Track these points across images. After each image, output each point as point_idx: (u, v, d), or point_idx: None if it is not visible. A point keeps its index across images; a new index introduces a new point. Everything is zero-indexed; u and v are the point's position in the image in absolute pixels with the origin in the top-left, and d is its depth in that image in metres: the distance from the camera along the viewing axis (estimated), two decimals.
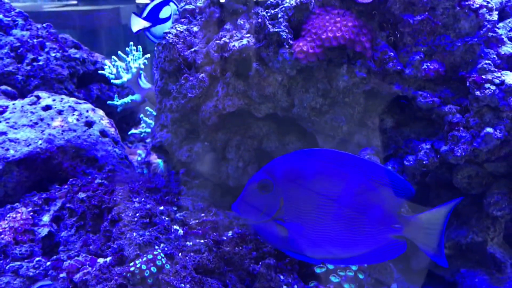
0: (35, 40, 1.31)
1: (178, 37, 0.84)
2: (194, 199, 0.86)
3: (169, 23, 1.39)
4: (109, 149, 1.07)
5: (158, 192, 0.89)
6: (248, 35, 0.76)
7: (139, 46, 0.93)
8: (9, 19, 1.30)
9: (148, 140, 1.36)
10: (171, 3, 1.36)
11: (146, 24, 1.36)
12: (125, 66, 0.91)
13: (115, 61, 0.91)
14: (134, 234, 0.76)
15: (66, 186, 0.95)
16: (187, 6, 0.93)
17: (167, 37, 0.84)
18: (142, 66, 0.91)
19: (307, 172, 0.69)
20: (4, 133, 0.99)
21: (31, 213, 0.91)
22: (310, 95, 0.75)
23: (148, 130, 1.19)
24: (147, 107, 1.07)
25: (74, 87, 1.38)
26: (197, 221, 0.80)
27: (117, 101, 0.98)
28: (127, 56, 0.91)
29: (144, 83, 0.94)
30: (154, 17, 1.38)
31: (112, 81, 0.92)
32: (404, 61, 0.73)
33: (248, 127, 0.86)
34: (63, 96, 1.13)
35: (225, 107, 0.80)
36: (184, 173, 0.91)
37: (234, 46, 0.76)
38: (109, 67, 0.91)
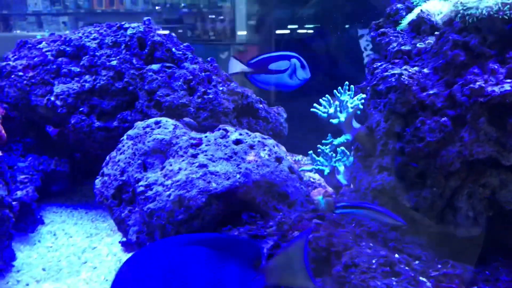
0: (203, 73, 1.34)
1: (413, 78, 0.82)
2: (420, 247, 0.82)
3: (284, 76, 1.40)
4: (297, 185, 1.06)
5: (376, 237, 0.86)
6: (509, 80, 0.73)
7: (352, 86, 0.92)
8: (180, 52, 1.35)
9: (315, 176, 1.34)
10: (293, 59, 1.38)
11: (244, 68, 1.40)
12: (340, 105, 0.90)
13: (328, 100, 0.91)
14: (379, 283, 0.72)
15: (271, 223, 0.94)
16: (403, 47, 0.92)
17: (401, 79, 0.82)
18: (361, 106, 0.90)
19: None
20: (205, 166, 1.00)
21: None
22: None
23: (321, 167, 1.17)
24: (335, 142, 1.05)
25: (236, 120, 1.40)
26: (437, 273, 0.76)
27: (332, 140, 0.97)
28: (340, 95, 0.90)
29: (355, 123, 0.93)
30: (262, 66, 1.42)
31: (331, 120, 0.92)
32: None
33: (480, 174, 0.81)
34: (247, 131, 1.14)
35: (472, 153, 0.76)
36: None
37: (493, 91, 0.73)
38: (325, 106, 0.91)
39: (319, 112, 0.92)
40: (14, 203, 1.07)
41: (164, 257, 0.66)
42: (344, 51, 1.84)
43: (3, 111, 1.20)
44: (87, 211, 1.42)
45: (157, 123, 1.09)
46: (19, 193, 1.16)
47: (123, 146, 1.06)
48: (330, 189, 1.27)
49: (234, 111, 1.37)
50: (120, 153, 1.05)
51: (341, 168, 1.20)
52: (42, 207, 1.39)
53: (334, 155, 1.19)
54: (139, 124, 1.09)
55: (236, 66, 1.40)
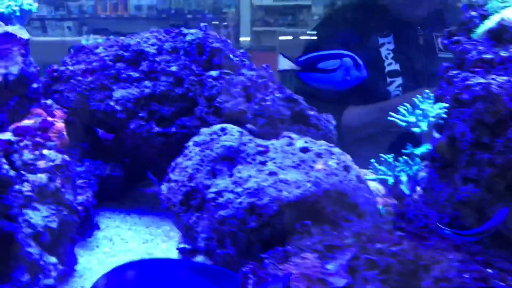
0: (260, 80, 1.33)
1: (502, 88, 0.80)
2: (508, 262, 0.80)
3: (334, 76, 1.39)
4: (366, 195, 1.04)
5: (460, 250, 0.83)
6: None
7: (431, 94, 0.90)
8: (238, 59, 1.35)
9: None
10: (345, 58, 1.37)
11: (293, 66, 1.39)
12: (421, 114, 0.89)
13: (408, 109, 0.89)
14: None
15: (346, 234, 0.92)
16: (484, 56, 0.90)
17: (490, 88, 0.80)
18: (444, 115, 0.88)
19: None
20: (275, 174, 0.99)
21: (318, 260, 0.88)
22: None
23: (385, 177, 1.16)
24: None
25: (290, 127, 1.39)
26: None
27: (411, 150, 0.96)
28: (421, 103, 0.89)
29: (435, 133, 0.91)
30: (310, 64, 1.41)
31: (412, 129, 0.91)
32: None
33: None
34: (311, 139, 1.12)
35: None
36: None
37: None
38: (405, 115, 0.90)
39: (398, 121, 0.91)
40: (79, 208, 1.07)
41: (141, 275, 0.65)
42: (365, 59, 1.84)
43: (65, 116, 1.20)
44: (140, 217, 1.42)
45: (222, 129, 1.08)
46: (80, 198, 1.16)
47: (190, 152, 1.06)
48: (389, 199, 1.25)
49: (291, 117, 1.36)
50: (187, 159, 1.05)
51: (404, 178, 1.18)
52: (96, 212, 1.39)
53: (397, 164, 1.17)
54: (205, 130, 1.09)
55: (285, 64, 1.39)
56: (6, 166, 0.83)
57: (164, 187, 1.06)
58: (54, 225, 0.95)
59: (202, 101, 1.25)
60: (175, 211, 1.03)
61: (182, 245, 1.22)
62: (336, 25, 1.96)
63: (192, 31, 1.32)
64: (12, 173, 0.85)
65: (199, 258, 1.21)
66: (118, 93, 1.25)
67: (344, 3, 2.09)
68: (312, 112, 1.53)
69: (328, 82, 1.39)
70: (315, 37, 2.06)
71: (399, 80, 1.85)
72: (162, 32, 1.33)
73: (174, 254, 1.23)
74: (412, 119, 0.89)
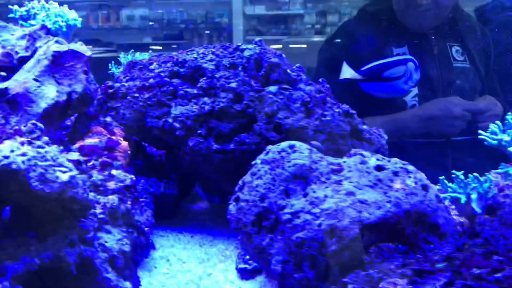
0: (318, 95, 1.30)
1: None
2: None
3: (400, 83, 1.36)
4: (446, 215, 1.00)
5: None
6: None
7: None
8: (295, 73, 1.32)
9: None
10: (409, 63, 1.33)
11: (355, 75, 1.36)
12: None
13: (499, 126, 0.85)
14: None
15: (435, 257, 0.88)
16: None
17: None
18: None
19: None
20: (353, 194, 0.95)
21: (410, 286, 0.84)
22: None
23: (458, 195, 1.11)
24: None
25: (350, 143, 1.35)
26: None
27: (506, 170, 0.92)
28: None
29: None
30: (375, 73, 1.37)
31: (509, 148, 0.87)
32: None
33: None
34: (381, 156, 1.09)
35: None
36: None
37: None
38: (494, 132, 0.86)
39: (488, 139, 0.87)
40: (146, 229, 1.05)
41: None
42: None
43: (123, 134, 1.18)
44: (192, 235, 1.38)
45: (291, 147, 1.05)
46: (141, 218, 1.13)
47: (259, 170, 1.02)
48: (456, 218, 1.21)
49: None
50: (257, 178, 1.01)
51: (474, 196, 1.14)
52: (150, 230, 1.36)
53: (468, 181, 1.12)
54: (273, 148, 1.05)
55: (347, 73, 1.36)
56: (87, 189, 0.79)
57: (232, 207, 1.03)
58: (127, 248, 0.92)
59: (261, 117, 1.22)
60: (246, 232, 0.99)
61: (242, 265, 1.19)
62: (350, 36, 1.94)
63: (249, 46, 1.29)
64: (91, 196, 0.82)
65: (260, 279, 1.18)
66: (177, 110, 1.23)
67: (358, 13, 2.08)
68: (364, 126, 1.49)
69: (392, 90, 1.36)
70: (329, 48, 2.04)
71: (415, 90, 1.82)
72: (219, 48, 1.30)
73: (234, 274, 1.20)
74: (506, 137, 0.85)
